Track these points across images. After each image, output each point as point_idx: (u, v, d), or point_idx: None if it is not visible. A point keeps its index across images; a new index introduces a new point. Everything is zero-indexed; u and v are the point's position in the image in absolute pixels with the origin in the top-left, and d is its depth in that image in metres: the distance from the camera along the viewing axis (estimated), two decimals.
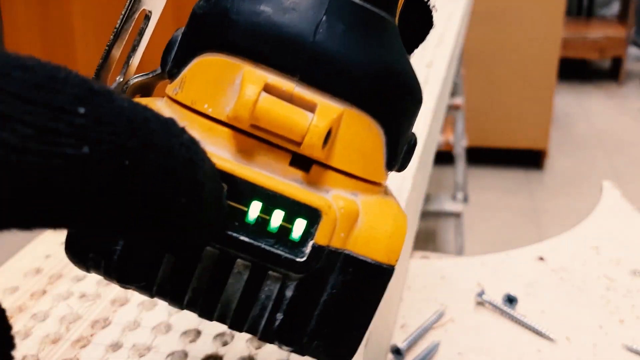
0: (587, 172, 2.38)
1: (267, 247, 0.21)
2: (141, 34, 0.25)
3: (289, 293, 0.22)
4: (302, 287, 0.22)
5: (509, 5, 2.21)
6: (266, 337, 0.22)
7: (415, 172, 0.50)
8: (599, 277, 0.57)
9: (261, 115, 0.20)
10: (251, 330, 0.22)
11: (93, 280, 0.44)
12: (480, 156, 2.38)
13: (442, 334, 0.49)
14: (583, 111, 2.98)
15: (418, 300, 0.52)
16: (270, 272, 0.22)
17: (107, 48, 0.24)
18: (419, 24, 0.27)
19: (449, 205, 1.71)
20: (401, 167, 0.25)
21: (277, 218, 0.21)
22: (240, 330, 0.22)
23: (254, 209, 0.21)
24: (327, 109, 0.21)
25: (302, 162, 0.22)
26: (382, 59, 0.22)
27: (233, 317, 0.22)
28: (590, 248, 0.62)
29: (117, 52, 0.24)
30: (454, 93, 1.73)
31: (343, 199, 0.22)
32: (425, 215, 1.71)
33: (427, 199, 1.70)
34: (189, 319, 0.41)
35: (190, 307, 0.22)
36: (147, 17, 0.25)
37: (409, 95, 0.23)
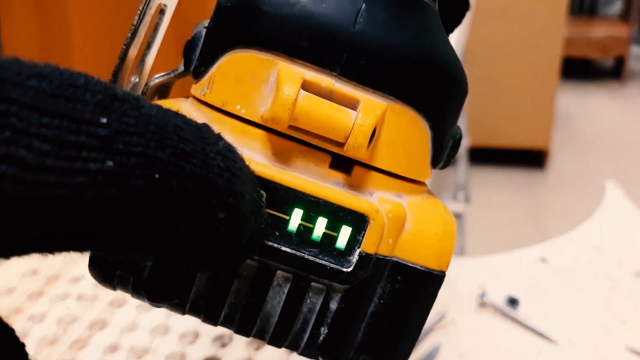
0: (590, 172, 2.38)
1: (311, 258, 0.20)
2: (156, 29, 0.24)
3: (333, 305, 0.20)
4: (347, 299, 0.20)
5: (511, 4, 2.21)
6: (308, 352, 0.21)
7: None
8: (602, 278, 0.57)
9: (301, 115, 0.19)
10: (292, 346, 0.21)
11: (90, 281, 0.44)
12: (481, 156, 2.38)
13: (443, 335, 0.48)
14: (585, 110, 2.97)
15: None
16: (313, 284, 0.20)
17: (124, 47, 0.22)
18: (455, 5, 0.26)
19: (450, 206, 1.71)
20: (445, 164, 0.23)
21: (320, 226, 0.20)
22: (280, 347, 0.21)
23: (296, 217, 0.19)
24: (371, 105, 0.19)
25: (343, 164, 0.20)
26: (427, 48, 0.20)
27: (273, 333, 0.21)
28: (592, 249, 0.62)
29: (134, 51, 0.23)
30: None
31: (389, 202, 0.20)
32: None
33: None
34: (187, 320, 0.40)
35: (226, 324, 0.21)
36: (162, 12, 0.24)
37: (455, 87, 0.21)
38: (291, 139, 0.20)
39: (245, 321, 0.20)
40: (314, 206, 0.19)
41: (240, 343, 0.39)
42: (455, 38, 0.86)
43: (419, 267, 0.20)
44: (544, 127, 2.36)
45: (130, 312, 0.41)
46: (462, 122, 1.77)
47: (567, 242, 0.63)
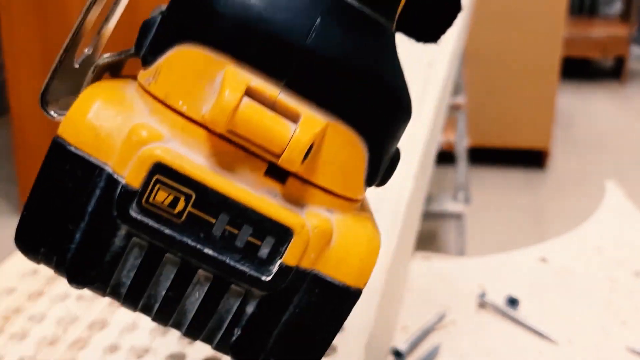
0: (590, 172, 2.38)
1: (232, 263, 0.20)
2: (117, 3, 0.23)
3: (249, 309, 0.21)
4: (264, 304, 0.21)
5: (511, 4, 2.21)
6: (221, 349, 0.22)
7: (416, 172, 0.49)
8: (602, 279, 0.57)
9: (240, 122, 0.19)
10: (206, 341, 0.22)
11: None
12: (481, 156, 2.38)
13: (444, 335, 0.48)
14: (586, 111, 2.97)
15: (419, 302, 0.51)
16: (232, 286, 0.21)
17: (80, 20, 0.22)
18: (447, 7, 0.26)
19: (450, 206, 1.71)
20: (381, 183, 0.23)
21: (245, 233, 0.20)
22: (195, 339, 0.22)
23: (222, 222, 0.20)
24: (311, 121, 0.20)
25: (278, 173, 0.20)
26: (376, 71, 0.20)
27: (189, 326, 0.21)
28: (592, 249, 0.62)
29: (89, 23, 0.22)
30: (455, 92, 1.72)
31: (318, 217, 0.21)
32: (427, 215, 1.70)
33: (429, 199, 1.69)
34: None
35: (145, 311, 0.21)
36: None
37: (399, 112, 0.22)
38: (230, 141, 0.20)
39: (163, 312, 0.21)
40: (241, 213, 0.20)
41: None
42: (455, 38, 0.86)
43: (336, 283, 0.21)
44: (544, 127, 2.36)
45: (130, 312, 0.41)
46: (461, 122, 1.77)
47: (567, 242, 0.63)
